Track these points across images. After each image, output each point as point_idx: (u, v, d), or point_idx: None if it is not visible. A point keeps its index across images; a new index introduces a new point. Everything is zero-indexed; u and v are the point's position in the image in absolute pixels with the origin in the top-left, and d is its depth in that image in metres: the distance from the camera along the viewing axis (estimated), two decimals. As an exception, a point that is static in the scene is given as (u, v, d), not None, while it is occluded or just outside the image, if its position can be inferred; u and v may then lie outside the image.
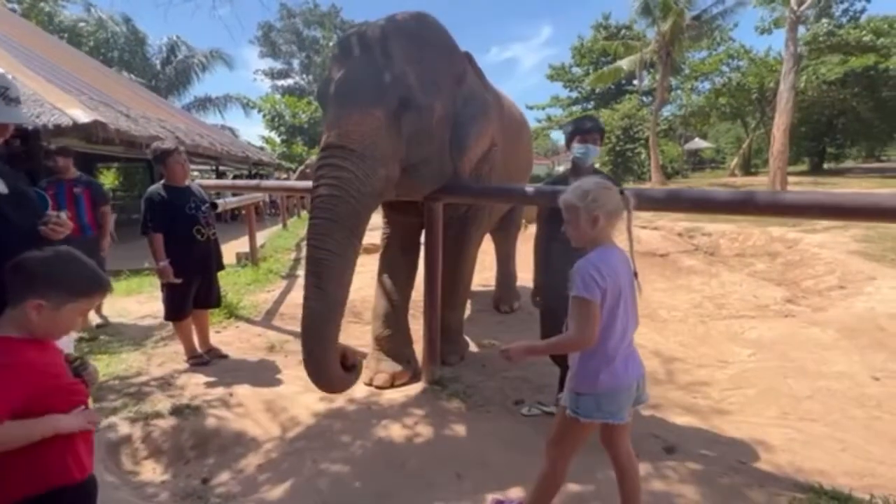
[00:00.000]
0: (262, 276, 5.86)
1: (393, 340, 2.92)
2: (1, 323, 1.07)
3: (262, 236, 8.52)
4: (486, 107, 2.55)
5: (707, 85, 23.69)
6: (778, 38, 22.83)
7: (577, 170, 2.27)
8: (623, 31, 26.04)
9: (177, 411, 2.40)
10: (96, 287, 1.16)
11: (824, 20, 19.03)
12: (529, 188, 2.38)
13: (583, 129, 2.26)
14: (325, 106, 2.21)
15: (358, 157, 1.94)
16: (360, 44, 2.18)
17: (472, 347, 3.48)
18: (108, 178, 21.25)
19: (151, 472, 2.10)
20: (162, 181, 3.00)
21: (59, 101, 6.81)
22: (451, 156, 2.39)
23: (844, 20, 19.76)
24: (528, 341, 1.53)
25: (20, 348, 1.05)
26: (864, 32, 17.17)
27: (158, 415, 2.36)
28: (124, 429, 2.25)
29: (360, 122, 1.98)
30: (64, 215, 1.72)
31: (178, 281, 2.89)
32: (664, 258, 6.22)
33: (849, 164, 27.37)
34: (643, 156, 21.30)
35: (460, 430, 2.33)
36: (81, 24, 21.10)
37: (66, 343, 1.74)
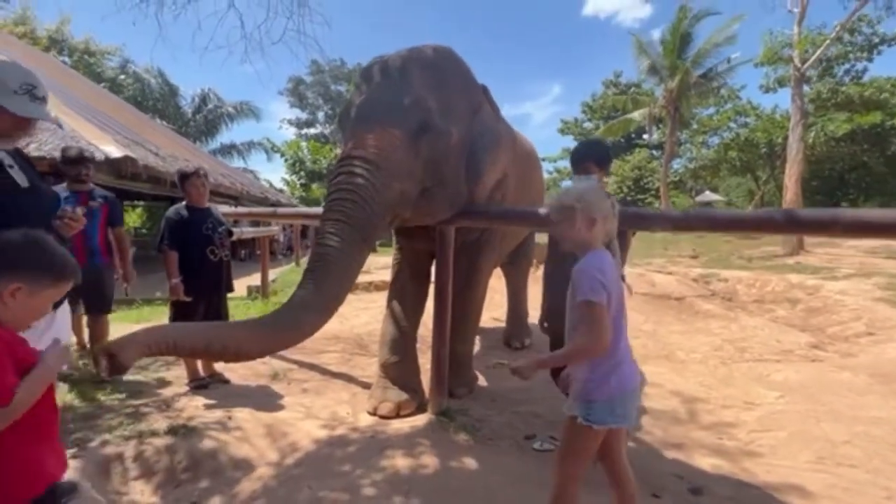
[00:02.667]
0: (270, 309, 5.82)
1: (400, 368, 2.82)
2: None
3: (274, 273, 8.61)
4: (499, 138, 2.61)
5: (716, 140, 24.25)
6: (782, 95, 23.51)
7: None
8: (632, 89, 27.17)
9: (172, 431, 2.30)
10: (72, 272, 1.12)
11: (828, 79, 19.64)
12: (542, 210, 2.37)
13: (573, 161, 2.28)
14: (346, 127, 2.27)
15: (374, 167, 1.96)
16: (383, 71, 2.29)
17: (482, 381, 3.35)
18: (132, 218, 22.04)
19: (140, 493, 1.98)
20: (184, 202, 3.09)
21: (95, 137, 7.22)
22: (466, 181, 2.42)
23: (847, 80, 20.35)
24: (537, 356, 1.48)
25: None
26: (867, 90, 17.61)
27: (153, 433, 2.27)
28: (117, 447, 2.15)
29: (380, 138, 2.02)
30: (80, 211, 1.75)
31: (189, 299, 2.89)
32: (680, 302, 6.07)
33: (865, 218, 27.08)
34: (655, 205, 21.45)
35: (468, 462, 2.18)
36: (122, 77, 22.83)
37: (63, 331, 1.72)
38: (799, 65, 11.02)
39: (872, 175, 21.29)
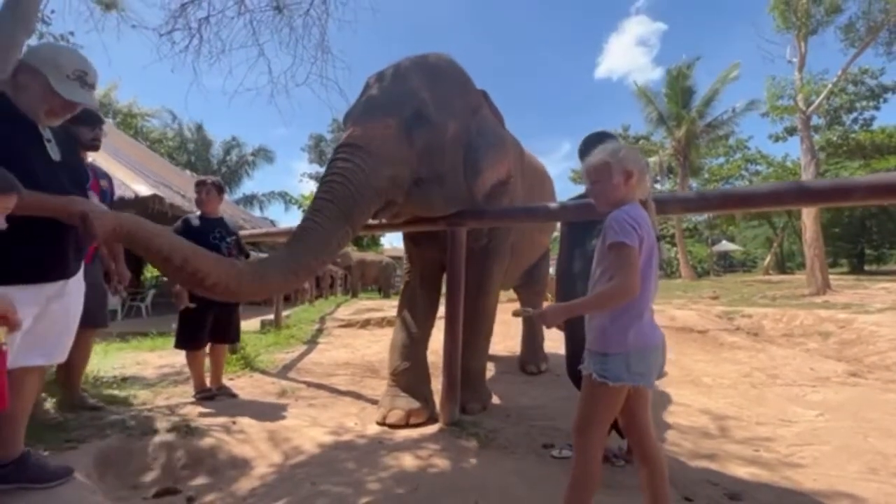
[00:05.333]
0: (283, 340, 5.79)
1: (410, 375, 2.72)
2: None
3: (288, 312, 8.60)
4: (501, 139, 2.66)
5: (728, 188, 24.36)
6: (792, 145, 23.78)
7: None
8: (641, 141, 27.92)
9: (174, 429, 2.22)
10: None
11: (836, 127, 19.93)
12: (552, 205, 2.38)
13: (581, 153, 2.26)
14: (348, 124, 2.34)
15: (365, 153, 2.04)
16: (383, 75, 2.42)
17: (495, 399, 3.19)
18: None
19: (135, 488, 1.88)
20: (198, 212, 3.19)
21: (127, 178, 7.66)
22: (465, 178, 2.46)
23: (856, 127, 20.60)
24: (564, 303, 1.39)
25: None
26: (878, 136, 17.74)
27: (154, 431, 2.19)
28: (115, 442, 2.08)
29: (373, 127, 2.12)
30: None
31: (193, 305, 2.86)
32: (703, 334, 5.81)
33: (892, 266, 26.21)
34: (673, 253, 21.21)
35: (481, 464, 2.03)
36: (162, 131, 24.67)
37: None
38: (804, 108, 11.26)
39: (893, 220, 20.89)
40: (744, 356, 4.82)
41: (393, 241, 31.94)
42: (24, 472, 1.58)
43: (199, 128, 24.73)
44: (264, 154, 25.68)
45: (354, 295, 15.54)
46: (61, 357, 1.72)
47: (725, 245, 31.55)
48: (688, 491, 1.82)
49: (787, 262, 25.58)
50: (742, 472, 2.05)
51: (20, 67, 1.54)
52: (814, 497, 1.81)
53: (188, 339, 2.97)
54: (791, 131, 19.78)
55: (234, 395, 3.10)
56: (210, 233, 3.05)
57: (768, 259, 22.85)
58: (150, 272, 20.99)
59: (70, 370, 2.58)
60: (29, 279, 1.49)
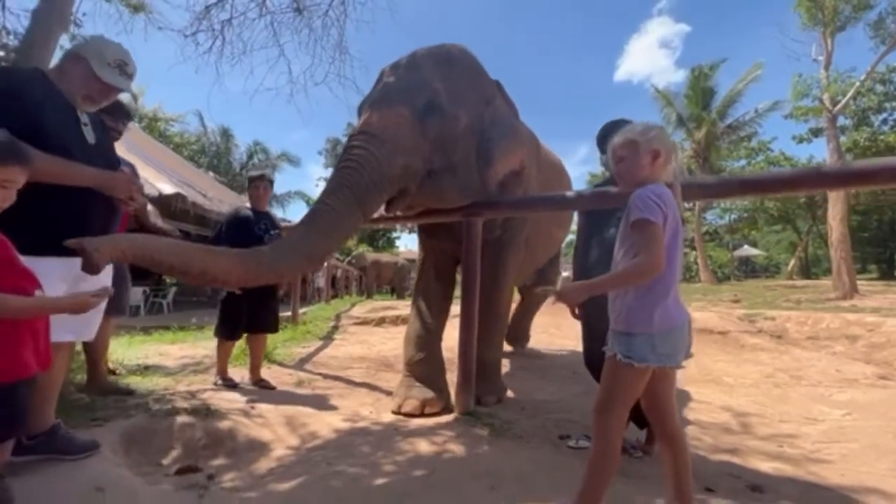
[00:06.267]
0: (299, 335, 5.87)
1: (425, 365, 2.73)
2: None
3: (305, 310, 8.73)
4: (514, 129, 2.64)
5: (750, 191, 23.76)
6: (817, 147, 23.11)
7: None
8: (658, 143, 27.52)
9: (195, 412, 2.28)
10: (24, 158, 1.26)
11: (864, 128, 19.31)
12: (569, 193, 2.37)
13: (599, 140, 2.24)
14: (362, 112, 2.35)
15: (378, 141, 2.05)
16: (399, 65, 2.43)
17: (509, 393, 3.17)
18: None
19: (156, 466, 1.93)
20: (248, 204, 3.30)
21: (151, 176, 7.88)
22: (477, 168, 2.45)
23: (885, 128, 19.91)
24: (586, 280, 1.34)
25: None
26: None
27: (175, 412, 2.25)
28: (139, 421, 2.14)
29: (386, 116, 2.13)
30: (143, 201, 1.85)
31: (238, 291, 2.91)
32: (724, 336, 5.67)
33: (925, 272, 25.18)
34: (692, 257, 20.80)
35: (496, 452, 2.02)
36: (186, 135, 25.40)
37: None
38: (830, 107, 10.95)
39: (927, 225, 20.14)
40: (766, 357, 4.70)
41: (408, 244, 32.11)
42: (53, 443, 1.64)
43: (224, 132, 25.48)
44: (286, 158, 26.30)
45: (369, 296, 15.67)
46: (89, 335, 1.78)
47: (747, 250, 30.77)
48: (709, 482, 1.78)
49: (812, 268, 24.84)
50: (765, 466, 2.00)
51: (66, 55, 1.65)
52: (841, 492, 1.76)
53: (229, 330, 3.10)
54: (816, 132, 19.23)
55: (272, 388, 3.11)
56: (257, 224, 3.15)
57: (792, 263, 22.23)
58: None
59: (92, 355, 2.66)
60: (58, 252, 1.53)
